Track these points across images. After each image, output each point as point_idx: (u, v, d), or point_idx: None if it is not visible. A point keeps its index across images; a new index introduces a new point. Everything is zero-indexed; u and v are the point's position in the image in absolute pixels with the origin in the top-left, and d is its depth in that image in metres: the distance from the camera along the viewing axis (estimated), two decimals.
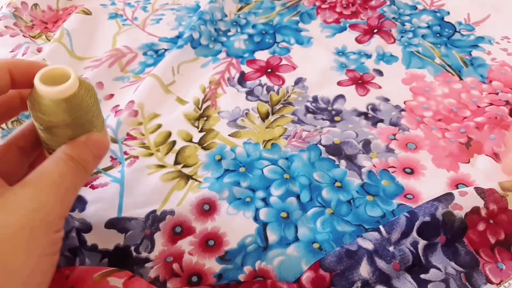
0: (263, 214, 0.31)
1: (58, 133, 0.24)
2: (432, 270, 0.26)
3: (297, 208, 0.31)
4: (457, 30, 0.50)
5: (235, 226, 0.30)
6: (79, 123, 0.24)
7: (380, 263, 0.26)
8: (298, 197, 0.32)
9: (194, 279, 0.27)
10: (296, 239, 0.29)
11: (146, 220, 0.31)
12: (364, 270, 0.26)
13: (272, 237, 0.29)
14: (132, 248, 0.29)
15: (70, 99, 0.23)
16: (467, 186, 0.32)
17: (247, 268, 0.28)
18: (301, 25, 0.52)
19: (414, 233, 0.27)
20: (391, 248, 0.27)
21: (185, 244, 0.29)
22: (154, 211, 0.31)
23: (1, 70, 0.23)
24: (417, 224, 0.27)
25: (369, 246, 0.27)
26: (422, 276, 0.26)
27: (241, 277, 0.27)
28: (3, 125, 0.37)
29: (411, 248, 0.27)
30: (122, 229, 0.30)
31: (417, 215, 0.28)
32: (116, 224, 0.30)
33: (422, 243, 0.27)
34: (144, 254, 0.29)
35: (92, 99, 0.24)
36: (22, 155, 0.26)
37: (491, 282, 0.26)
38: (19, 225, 0.20)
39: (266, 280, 0.26)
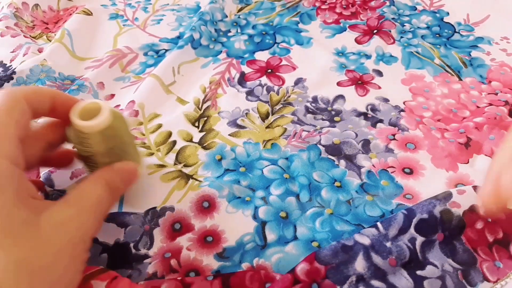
0: (262, 212, 0.31)
1: (95, 161, 0.26)
2: (429, 267, 0.26)
3: (296, 208, 0.31)
4: (457, 30, 0.50)
5: (234, 224, 0.30)
6: (113, 153, 0.26)
7: (376, 259, 0.26)
8: (297, 196, 0.32)
9: (192, 275, 0.27)
10: (295, 238, 0.29)
11: (145, 215, 0.31)
12: (360, 265, 0.26)
13: (271, 236, 0.29)
14: (132, 244, 0.29)
15: (104, 132, 0.25)
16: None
17: (245, 265, 0.28)
18: (301, 25, 0.52)
19: (412, 230, 0.27)
20: (388, 244, 0.27)
21: (184, 241, 0.29)
22: (154, 208, 0.31)
23: (45, 96, 0.26)
24: (414, 221, 0.27)
25: (366, 241, 0.27)
26: (418, 272, 0.26)
27: None
28: None
29: (409, 244, 0.27)
30: (122, 223, 0.30)
31: (415, 212, 0.28)
32: (115, 218, 0.30)
33: (420, 239, 0.27)
34: (143, 251, 0.29)
35: (124, 130, 0.27)
36: (47, 148, 0.28)
37: (488, 280, 0.26)
38: (63, 241, 0.22)
39: (259, 271, 0.27)
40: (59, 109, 0.27)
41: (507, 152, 0.24)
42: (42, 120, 0.29)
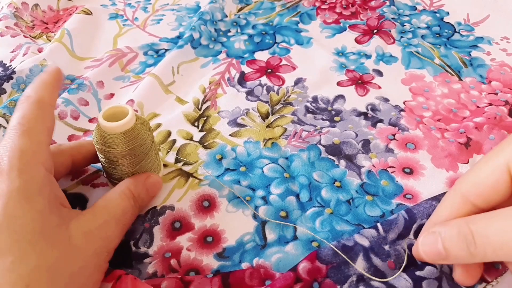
0: (262, 212, 0.31)
1: (116, 162, 0.28)
2: (428, 267, 0.26)
3: (296, 207, 0.31)
4: (457, 30, 0.50)
5: (234, 223, 0.30)
6: (134, 154, 0.28)
7: (376, 260, 0.26)
8: (297, 196, 0.32)
9: (192, 274, 0.27)
10: (295, 238, 0.29)
11: (146, 213, 0.31)
12: (360, 265, 0.26)
13: (271, 235, 0.29)
14: (132, 242, 0.29)
15: (127, 133, 0.27)
16: None
17: (244, 265, 0.28)
18: (301, 25, 0.52)
19: (411, 235, 0.27)
20: (386, 247, 0.27)
21: (184, 240, 0.29)
22: (154, 207, 0.31)
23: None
24: (414, 227, 0.27)
25: (365, 243, 0.27)
26: (417, 273, 0.25)
27: None
28: (5, 124, 0.38)
29: (407, 250, 0.26)
30: None
31: (415, 217, 0.28)
32: None
33: None
34: (143, 249, 0.29)
35: (147, 134, 0.28)
36: (71, 165, 0.30)
37: (487, 281, 0.26)
38: (90, 250, 0.23)
39: (259, 269, 0.27)
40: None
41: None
42: (72, 143, 0.31)
